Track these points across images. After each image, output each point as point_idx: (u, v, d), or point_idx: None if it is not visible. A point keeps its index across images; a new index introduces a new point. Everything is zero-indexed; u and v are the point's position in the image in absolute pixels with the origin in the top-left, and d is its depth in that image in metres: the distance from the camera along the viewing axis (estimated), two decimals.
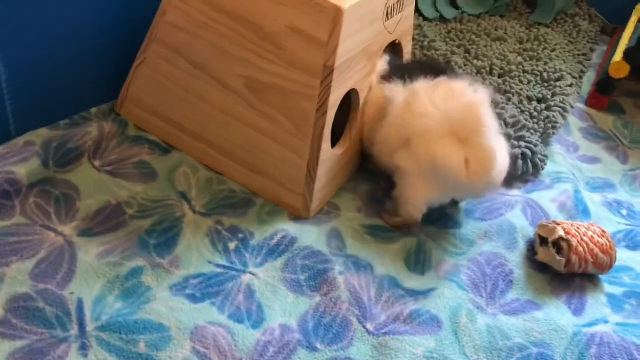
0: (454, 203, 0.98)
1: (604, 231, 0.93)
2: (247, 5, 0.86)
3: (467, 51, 1.38)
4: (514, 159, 1.07)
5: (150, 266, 0.79)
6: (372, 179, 1.03)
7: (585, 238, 0.90)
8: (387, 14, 0.95)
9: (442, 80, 0.88)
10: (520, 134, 1.10)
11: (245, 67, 0.89)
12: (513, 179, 1.08)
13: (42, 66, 0.91)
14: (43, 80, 0.92)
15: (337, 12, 0.81)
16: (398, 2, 0.97)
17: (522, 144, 1.09)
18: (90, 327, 0.69)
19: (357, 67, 0.91)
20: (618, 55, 1.36)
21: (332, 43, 0.83)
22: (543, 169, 1.11)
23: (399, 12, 0.99)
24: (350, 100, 0.95)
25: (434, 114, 0.84)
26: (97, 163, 0.91)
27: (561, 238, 0.89)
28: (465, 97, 0.84)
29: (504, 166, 0.88)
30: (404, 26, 1.03)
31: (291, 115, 0.88)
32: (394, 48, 1.04)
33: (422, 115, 0.85)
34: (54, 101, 0.95)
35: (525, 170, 1.08)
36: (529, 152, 1.08)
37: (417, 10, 1.47)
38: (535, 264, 0.92)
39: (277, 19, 0.85)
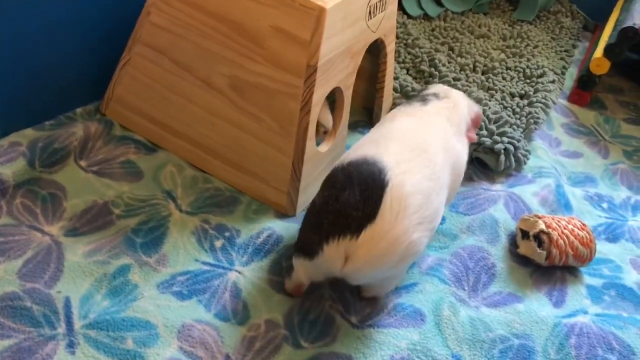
0: None
1: (584, 224, 0.95)
2: (230, 6, 0.87)
3: (451, 48, 1.40)
4: (496, 154, 1.09)
5: (137, 264, 0.79)
6: None
7: (565, 231, 0.92)
8: (370, 12, 0.96)
9: None
10: (502, 129, 1.12)
11: (229, 67, 0.90)
12: (496, 174, 1.10)
13: (27, 67, 0.91)
14: (28, 80, 0.92)
15: (320, 12, 0.82)
16: (380, 1, 0.98)
17: (505, 139, 1.11)
18: (77, 325, 0.70)
19: (340, 65, 0.92)
20: (599, 52, 1.38)
21: (314, 42, 0.84)
22: (525, 163, 1.13)
23: (382, 11, 1.00)
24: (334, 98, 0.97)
25: None
26: (83, 163, 0.92)
27: (542, 231, 0.91)
28: None
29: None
30: (386, 24, 1.04)
31: (275, 114, 0.89)
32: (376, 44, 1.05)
33: None
34: (39, 102, 0.95)
35: (507, 165, 1.10)
36: (511, 148, 1.10)
37: (401, 8, 1.49)
38: (517, 257, 0.94)
39: (260, 19, 0.86)
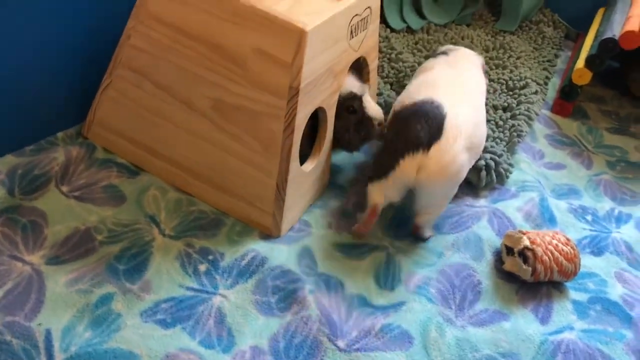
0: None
1: (568, 239, 0.95)
2: (211, 28, 0.87)
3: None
4: (477, 169, 1.09)
5: (120, 292, 0.79)
6: (342, 194, 1.04)
7: (550, 247, 0.92)
8: (351, 32, 0.96)
9: None
10: (484, 144, 1.13)
11: (211, 89, 0.89)
12: (479, 188, 1.11)
13: (6, 92, 0.90)
14: (7, 105, 0.91)
15: (301, 34, 0.82)
16: (362, 20, 0.98)
17: (487, 155, 1.11)
18: (58, 358, 0.69)
19: (323, 86, 0.92)
20: (580, 62, 1.39)
21: (296, 64, 0.84)
22: (508, 177, 1.13)
23: (363, 30, 1.00)
24: (317, 117, 0.96)
25: None
26: (64, 188, 0.91)
27: (526, 247, 0.92)
28: None
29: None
30: (368, 43, 1.04)
31: (258, 135, 0.89)
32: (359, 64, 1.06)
33: None
34: (20, 127, 0.94)
35: (489, 180, 1.10)
36: (492, 163, 1.10)
37: (384, 22, 1.49)
38: (502, 273, 0.94)
39: (241, 41, 0.86)
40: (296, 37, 0.82)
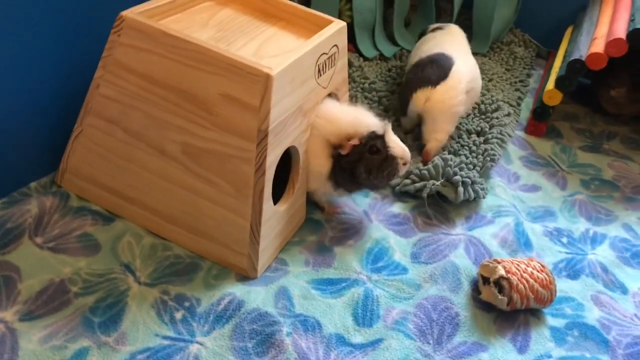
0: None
1: (543, 266, 0.96)
2: (178, 75, 0.88)
3: None
4: (454, 186, 1.10)
5: (95, 346, 0.78)
6: (318, 229, 1.04)
7: (525, 275, 0.93)
8: (319, 70, 0.97)
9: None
10: (459, 167, 1.14)
11: (180, 134, 0.90)
12: (455, 214, 1.12)
13: None
14: None
15: (267, 79, 0.83)
16: (329, 58, 1.00)
17: (463, 173, 1.12)
18: None
19: (293, 125, 0.93)
20: (550, 84, 1.41)
21: (264, 108, 0.85)
22: (484, 197, 1.14)
23: (331, 67, 1.02)
24: (289, 155, 0.97)
25: None
26: (38, 240, 0.91)
27: (502, 277, 0.92)
28: None
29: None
30: (337, 79, 1.06)
31: (230, 178, 0.89)
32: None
33: None
34: None
35: (467, 197, 1.10)
36: (468, 180, 1.11)
37: (357, 51, 1.51)
38: (480, 303, 0.95)
39: (209, 86, 0.87)
40: (262, 81, 0.83)
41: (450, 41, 1.31)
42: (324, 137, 0.97)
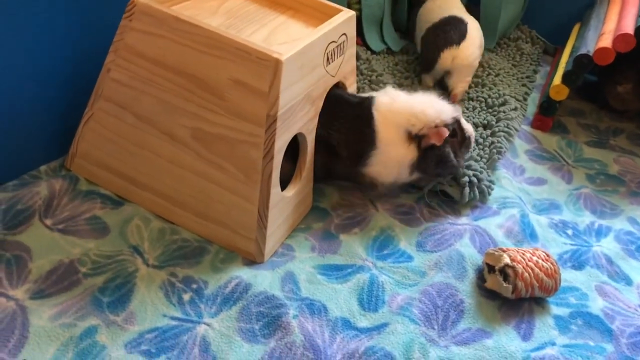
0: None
1: (548, 255, 0.97)
2: (189, 60, 0.89)
3: (414, 82, 1.42)
4: (460, 186, 1.11)
5: (104, 324, 0.79)
6: (324, 216, 1.05)
7: (530, 263, 0.94)
8: (328, 59, 0.98)
9: None
10: (467, 162, 1.14)
11: (191, 119, 0.91)
12: (461, 205, 1.12)
13: None
14: None
15: (276, 64, 0.84)
16: (338, 47, 1.01)
17: (470, 172, 1.13)
18: None
19: (301, 112, 0.94)
20: (557, 79, 1.42)
21: (273, 93, 0.85)
22: (490, 194, 1.15)
23: (340, 56, 1.02)
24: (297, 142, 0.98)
25: None
26: (48, 221, 0.92)
27: (507, 265, 0.93)
28: None
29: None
30: (346, 68, 1.06)
31: (239, 163, 0.90)
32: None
33: None
34: (1, 163, 0.95)
35: (472, 197, 1.12)
36: (475, 180, 1.12)
37: (365, 44, 1.52)
38: (485, 291, 0.95)
39: (219, 72, 0.88)
40: (272, 67, 0.84)
41: (453, 5, 1.48)
42: (405, 128, 1.01)
